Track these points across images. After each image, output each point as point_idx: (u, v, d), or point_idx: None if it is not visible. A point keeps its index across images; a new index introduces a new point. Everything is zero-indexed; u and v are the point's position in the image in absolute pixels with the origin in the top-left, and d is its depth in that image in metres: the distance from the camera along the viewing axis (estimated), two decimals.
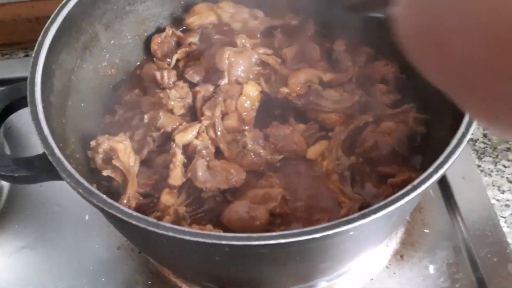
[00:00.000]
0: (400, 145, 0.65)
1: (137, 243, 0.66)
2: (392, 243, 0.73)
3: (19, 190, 0.82)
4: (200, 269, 0.61)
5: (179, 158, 0.64)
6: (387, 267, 0.71)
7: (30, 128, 0.55)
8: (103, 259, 0.74)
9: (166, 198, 0.62)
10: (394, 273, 0.71)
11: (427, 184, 0.48)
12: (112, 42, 0.78)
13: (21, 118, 0.89)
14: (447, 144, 0.51)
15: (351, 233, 0.45)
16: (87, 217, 0.77)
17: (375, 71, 0.73)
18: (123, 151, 0.63)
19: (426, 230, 0.75)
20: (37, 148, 0.54)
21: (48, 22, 0.64)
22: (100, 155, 0.63)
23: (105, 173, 0.62)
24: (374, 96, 0.69)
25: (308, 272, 0.59)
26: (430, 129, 0.67)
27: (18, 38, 1.04)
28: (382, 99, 0.69)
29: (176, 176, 0.63)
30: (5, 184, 0.83)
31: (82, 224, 0.77)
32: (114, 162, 0.61)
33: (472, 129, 0.52)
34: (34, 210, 0.80)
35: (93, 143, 0.64)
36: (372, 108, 0.68)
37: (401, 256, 0.72)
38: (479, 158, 0.84)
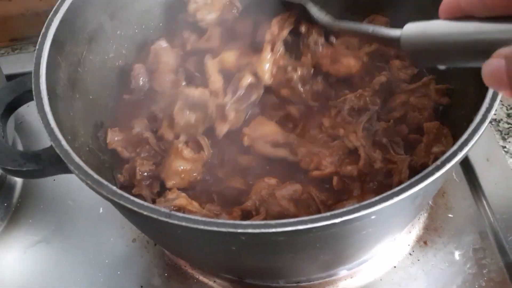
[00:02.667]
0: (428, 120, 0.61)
1: (151, 234, 0.65)
2: (415, 229, 0.70)
3: (33, 185, 0.81)
4: (217, 260, 0.59)
5: None
6: (410, 254, 0.68)
7: (41, 123, 0.53)
8: (118, 252, 0.73)
9: None
10: (418, 260, 0.68)
11: (452, 163, 0.45)
12: (118, 32, 0.76)
13: (33, 113, 0.89)
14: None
15: (373, 217, 0.42)
16: (101, 210, 0.77)
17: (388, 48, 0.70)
18: None
19: (450, 215, 0.71)
20: (48, 143, 0.52)
21: (51, 13, 0.62)
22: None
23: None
24: (391, 73, 0.66)
25: (329, 261, 0.56)
26: (454, 101, 0.64)
27: (28, 33, 1.04)
28: (399, 76, 0.66)
29: None
30: (18, 179, 0.82)
31: (96, 218, 0.76)
32: None
33: (497, 104, 0.49)
34: (48, 204, 0.79)
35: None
36: (394, 86, 0.65)
37: (425, 242, 0.69)
38: (504, 139, 0.80)
